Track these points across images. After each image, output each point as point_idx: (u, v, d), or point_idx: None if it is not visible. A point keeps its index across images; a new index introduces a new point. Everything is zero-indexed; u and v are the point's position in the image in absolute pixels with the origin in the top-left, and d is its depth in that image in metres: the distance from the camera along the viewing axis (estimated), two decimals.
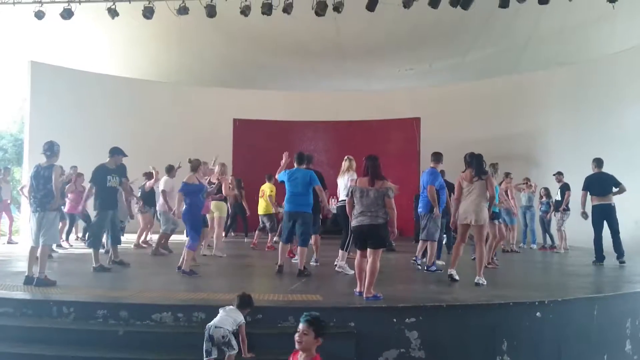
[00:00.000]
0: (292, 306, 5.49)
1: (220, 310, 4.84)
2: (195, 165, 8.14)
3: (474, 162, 7.16)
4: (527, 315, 5.54)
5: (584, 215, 9.53)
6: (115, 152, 8.07)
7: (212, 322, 4.69)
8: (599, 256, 9.38)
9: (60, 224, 10.27)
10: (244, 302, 4.98)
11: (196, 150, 13.41)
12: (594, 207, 9.51)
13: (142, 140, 13.29)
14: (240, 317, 4.81)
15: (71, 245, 11.03)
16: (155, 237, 10.79)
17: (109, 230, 8.17)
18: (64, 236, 10.96)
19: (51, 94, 14.25)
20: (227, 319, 4.72)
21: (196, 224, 7.79)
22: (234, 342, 4.64)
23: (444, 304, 5.58)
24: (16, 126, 27.34)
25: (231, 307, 4.90)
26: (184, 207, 7.87)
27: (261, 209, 11.26)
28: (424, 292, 6.50)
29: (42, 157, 6.78)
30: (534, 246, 12.04)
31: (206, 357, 4.62)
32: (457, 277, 7.08)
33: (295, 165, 7.91)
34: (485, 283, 6.79)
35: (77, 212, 11.07)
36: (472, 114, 15.01)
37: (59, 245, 10.26)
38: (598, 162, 9.64)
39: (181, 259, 7.69)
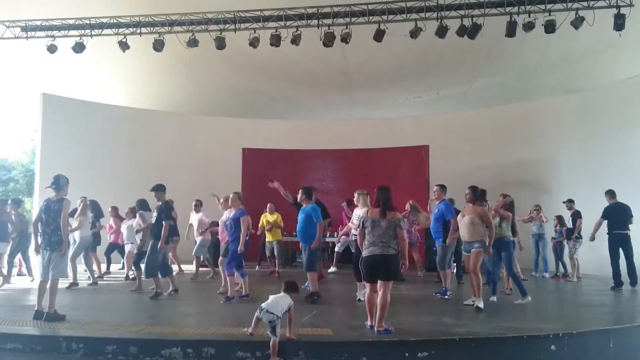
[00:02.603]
0: (303, 340, 5.42)
1: (271, 297, 5.37)
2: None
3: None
4: (542, 348, 5.45)
5: (592, 239, 9.85)
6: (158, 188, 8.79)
7: (264, 305, 5.23)
8: (617, 281, 9.58)
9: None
10: (291, 287, 5.58)
11: (206, 180, 13.55)
12: (610, 234, 9.72)
13: (152, 170, 13.28)
14: (289, 300, 5.40)
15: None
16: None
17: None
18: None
19: (62, 125, 14.41)
20: (278, 305, 5.24)
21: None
22: (278, 329, 5.11)
23: (457, 337, 5.50)
24: (27, 157, 27.66)
25: (281, 293, 5.44)
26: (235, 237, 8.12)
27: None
28: (436, 324, 6.38)
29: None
30: (547, 275, 11.86)
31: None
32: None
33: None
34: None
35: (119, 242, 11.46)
36: (480, 141, 14.99)
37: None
38: (612, 194, 9.93)
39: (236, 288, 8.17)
